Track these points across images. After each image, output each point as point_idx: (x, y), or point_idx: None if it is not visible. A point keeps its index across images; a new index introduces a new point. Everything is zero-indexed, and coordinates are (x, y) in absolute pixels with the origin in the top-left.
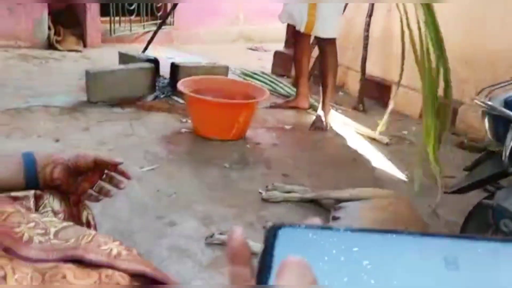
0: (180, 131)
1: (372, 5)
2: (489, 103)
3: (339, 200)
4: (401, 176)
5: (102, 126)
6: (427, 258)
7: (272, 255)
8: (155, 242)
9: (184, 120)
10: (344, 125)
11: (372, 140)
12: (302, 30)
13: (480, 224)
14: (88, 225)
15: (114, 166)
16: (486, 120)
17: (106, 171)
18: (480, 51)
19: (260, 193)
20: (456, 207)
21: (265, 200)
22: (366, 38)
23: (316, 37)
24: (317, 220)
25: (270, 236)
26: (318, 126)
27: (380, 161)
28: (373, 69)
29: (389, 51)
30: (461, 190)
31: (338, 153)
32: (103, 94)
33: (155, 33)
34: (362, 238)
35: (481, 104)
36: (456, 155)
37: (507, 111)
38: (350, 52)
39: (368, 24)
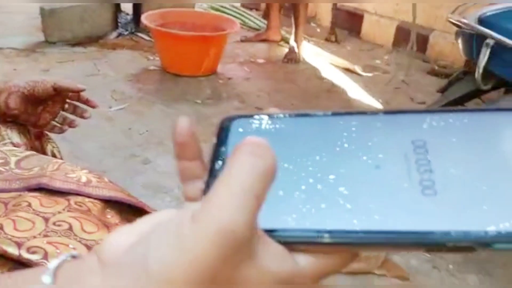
0: (148, 69)
1: None
2: (463, 20)
3: None
4: (376, 104)
5: (64, 67)
6: (393, 141)
7: (226, 147)
8: (130, 180)
9: (151, 57)
10: (317, 56)
11: (346, 70)
12: None
13: None
14: None
15: (76, 94)
16: (460, 39)
17: (68, 100)
18: None
19: None
20: None
21: None
22: None
23: None
24: (274, 109)
25: (223, 129)
26: (291, 58)
27: (354, 90)
28: None
29: None
30: None
31: (312, 85)
32: (61, 33)
33: None
34: (325, 122)
35: (455, 22)
36: (426, 81)
37: (481, 28)
38: None
39: None
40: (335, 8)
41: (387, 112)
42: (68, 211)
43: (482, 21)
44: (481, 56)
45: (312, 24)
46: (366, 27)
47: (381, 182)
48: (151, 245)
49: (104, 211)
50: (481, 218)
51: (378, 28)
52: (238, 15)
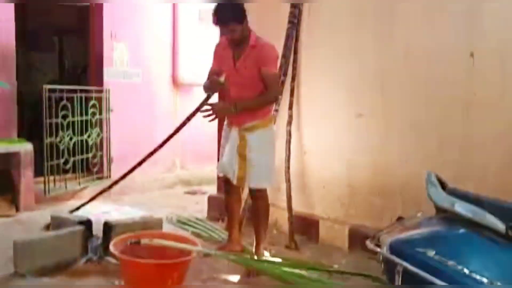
0: None
1: (289, 149)
2: (376, 249)
3: None
4: None
5: None
6: None
7: None
8: None
9: (117, 282)
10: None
11: (302, 278)
12: (234, 182)
13: None
14: None
15: None
16: (381, 263)
17: None
18: (388, 181)
19: None
20: None
21: None
22: (287, 172)
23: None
24: None
25: None
26: (251, 274)
27: None
28: (298, 206)
29: (310, 189)
30: None
31: None
32: (31, 264)
33: (96, 195)
34: None
35: (372, 249)
36: None
37: (391, 256)
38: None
39: (287, 167)
40: (292, 216)
41: None
42: None
43: (392, 247)
44: (395, 281)
45: (274, 231)
46: (323, 232)
47: None
48: None
49: None
50: None
51: (334, 233)
52: (204, 229)
